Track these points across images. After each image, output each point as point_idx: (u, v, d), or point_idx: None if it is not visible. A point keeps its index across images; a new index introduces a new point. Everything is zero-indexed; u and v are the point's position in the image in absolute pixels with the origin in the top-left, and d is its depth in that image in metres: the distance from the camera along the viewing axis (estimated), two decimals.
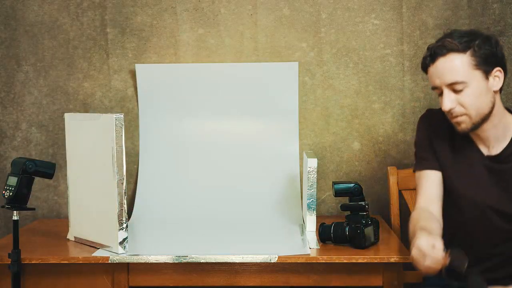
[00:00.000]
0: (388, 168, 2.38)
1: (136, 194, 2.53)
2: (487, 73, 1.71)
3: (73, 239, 2.11)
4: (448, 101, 1.71)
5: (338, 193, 2.12)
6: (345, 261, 1.83)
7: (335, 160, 2.55)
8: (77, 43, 2.59)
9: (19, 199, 1.87)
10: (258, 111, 2.54)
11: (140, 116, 2.57)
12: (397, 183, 2.37)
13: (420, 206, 1.84)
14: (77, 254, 1.92)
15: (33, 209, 1.96)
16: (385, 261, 1.83)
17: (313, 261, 1.85)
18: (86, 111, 2.59)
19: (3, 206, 1.89)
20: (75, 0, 2.57)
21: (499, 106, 1.76)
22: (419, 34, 2.51)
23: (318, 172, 2.27)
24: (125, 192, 1.88)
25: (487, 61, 1.70)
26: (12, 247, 1.85)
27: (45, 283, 1.91)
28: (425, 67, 1.79)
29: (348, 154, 2.55)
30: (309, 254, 1.86)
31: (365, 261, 1.83)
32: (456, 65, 1.69)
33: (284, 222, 2.34)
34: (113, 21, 2.58)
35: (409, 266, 2.23)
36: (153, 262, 1.86)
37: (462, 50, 1.69)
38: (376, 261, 1.84)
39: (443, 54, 1.71)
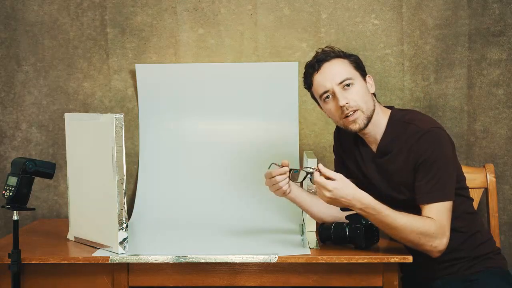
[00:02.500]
0: None
1: (136, 194, 2.53)
2: (363, 76, 1.97)
3: (73, 239, 2.11)
4: (342, 98, 1.90)
5: None
6: (345, 261, 1.83)
7: None
8: (77, 43, 2.59)
9: (19, 199, 1.87)
10: (258, 111, 2.54)
11: (140, 116, 2.57)
12: None
13: None
14: (77, 254, 1.92)
15: (33, 209, 1.96)
16: (385, 261, 1.83)
17: (313, 261, 1.85)
18: (86, 111, 2.59)
19: (3, 206, 1.89)
20: (75, 0, 2.57)
21: (377, 107, 1.98)
22: (419, 34, 2.51)
23: None
24: (125, 192, 1.88)
25: (360, 67, 1.97)
26: (12, 247, 1.85)
27: (45, 283, 1.91)
28: (309, 79, 1.98)
29: None
30: (309, 254, 1.86)
31: (365, 261, 1.83)
32: (341, 66, 1.94)
33: (284, 222, 2.34)
34: (113, 21, 2.57)
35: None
36: (153, 262, 1.86)
37: (342, 56, 1.96)
38: (376, 261, 1.83)
39: (327, 60, 1.94)
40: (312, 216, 2.09)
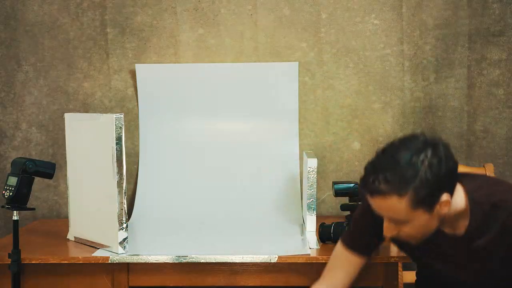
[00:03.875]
0: None
1: (136, 194, 2.53)
2: (431, 207, 1.47)
3: (73, 239, 2.11)
4: (389, 231, 1.55)
5: (338, 193, 2.12)
6: None
7: (335, 160, 2.55)
8: (77, 43, 2.59)
9: (19, 199, 1.87)
10: (258, 111, 2.54)
11: (140, 116, 2.57)
12: None
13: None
14: (77, 254, 1.93)
15: (33, 209, 1.96)
16: (385, 261, 1.83)
17: (313, 261, 1.85)
18: (86, 111, 2.59)
19: (3, 206, 1.89)
20: (75, 0, 2.57)
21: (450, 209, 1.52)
22: (419, 34, 2.51)
23: (318, 172, 2.28)
24: (125, 192, 1.88)
25: (431, 199, 1.46)
26: (12, 247, 1.85)
27: (45, 283, 1.91)
28: (362, 195, 1.59)
29: (348, 154, 2.55)
30: (309, 254, 1.86)
31: None
32: (394, 206, 1.47)
33: (284, 222, 2.34)
34: (113, 21, 2.57)
35: (409, 266, 2.24)
36: (153, 262, 1.86)
37: (401, 194, 1.44)
38: (376, 261, 1.83)
39: (380, 194, 1.47)
40: None
